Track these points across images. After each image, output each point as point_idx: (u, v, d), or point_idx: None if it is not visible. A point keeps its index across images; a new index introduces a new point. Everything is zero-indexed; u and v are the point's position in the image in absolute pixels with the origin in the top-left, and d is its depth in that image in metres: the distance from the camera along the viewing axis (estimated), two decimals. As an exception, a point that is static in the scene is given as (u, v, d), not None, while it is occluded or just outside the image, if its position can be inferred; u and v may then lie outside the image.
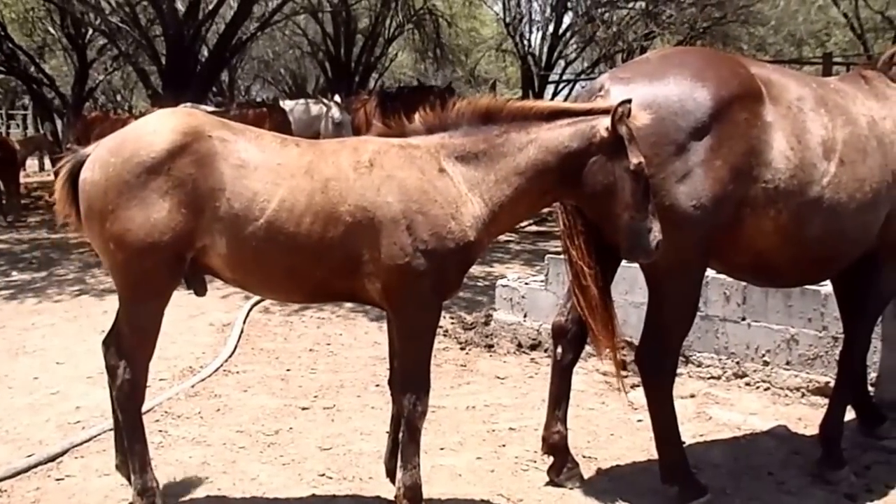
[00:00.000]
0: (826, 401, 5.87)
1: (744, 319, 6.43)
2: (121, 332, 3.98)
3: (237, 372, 6.88)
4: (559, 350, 4.81)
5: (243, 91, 37.31)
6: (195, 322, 8.39)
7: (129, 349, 3.92)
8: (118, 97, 39.57)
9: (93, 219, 3.80)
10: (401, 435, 4.06)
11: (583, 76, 24.46)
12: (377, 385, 6.55)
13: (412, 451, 4.03)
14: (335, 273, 3.89)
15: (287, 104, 12.38)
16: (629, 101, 3.82)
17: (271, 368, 7.00)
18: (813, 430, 5.49)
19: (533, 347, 7.59)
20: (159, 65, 19.49)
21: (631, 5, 20.65)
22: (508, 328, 7.89)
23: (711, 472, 4.94)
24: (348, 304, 8.79)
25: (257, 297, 9.09)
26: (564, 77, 24.57)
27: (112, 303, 3.99)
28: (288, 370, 6.96)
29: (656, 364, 4.51)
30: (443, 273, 3.89)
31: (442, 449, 5.31)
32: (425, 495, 4.17)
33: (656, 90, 4.18)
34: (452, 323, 8.42)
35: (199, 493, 4.61)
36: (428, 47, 22.82)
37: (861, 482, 4.82)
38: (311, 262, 3.83)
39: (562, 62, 25.43)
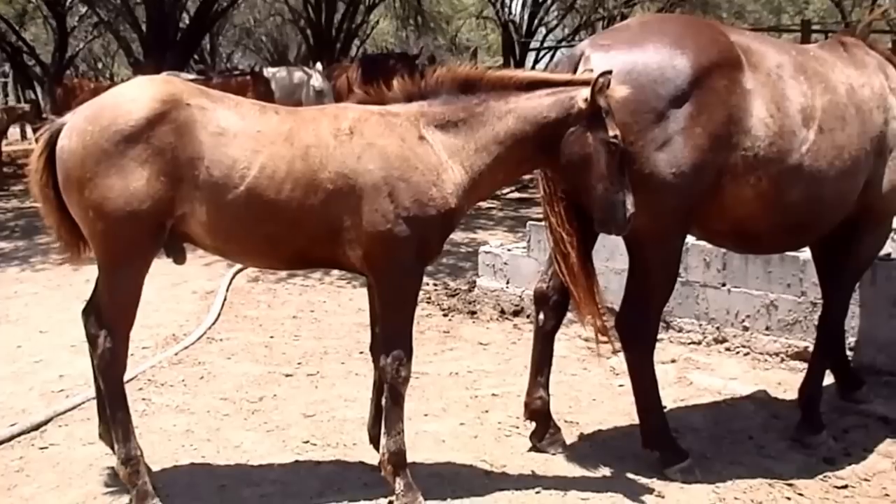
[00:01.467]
0: (805, 365, 5.94)
1: (724, 285, 6.48)
2: (101, 302, 3.97)
3: (220, 339, 6.89)
4: (541, 316, 4.83)
5: (225, 59, 37.00)
6: (178, 290, 8.39)
7: (110, 318, 3.91)
8: (99, 65, 39.20)
9: (71, 187, 3.77)
10: (384, 401, 4.08)
11: (564, 43, 24.39)
12: (361, 352, 6.56)
13: (396, 417, 4.06)
14: (316, 240, 3.90)
15: (268, 72, 12.30)
16: (609, 72, 3.82)
17: (255, 336, 7.01)
18: (792, 394, 5.55)
19: (516, 314, 7.63)
20: (140, 32, 19.29)
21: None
22: (491, 295, 7.93)
23: (692, 436, 4.99)
24: (333, 272, 8.81)
25: (240, 266, 9.11)
26: (546, 44, 24.45)
27: (94, 271, 3.98)
28: (271, 337, 6.98)
29: (637, 330, 4.54)
30: (424, 239, 3.90)
31: (426, 415, 5.34)
32: (409, 461, 4.20)
33: (636, 57, 4.18)
34: (436, 289, 8.46)
35: (183, 460, 4.64)
36: (409, 14, 22.66)
37: (839, 446, 4.88)
38: (291, 230, 3.83)
39: (542, 29, 25.30)
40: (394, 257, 3.88)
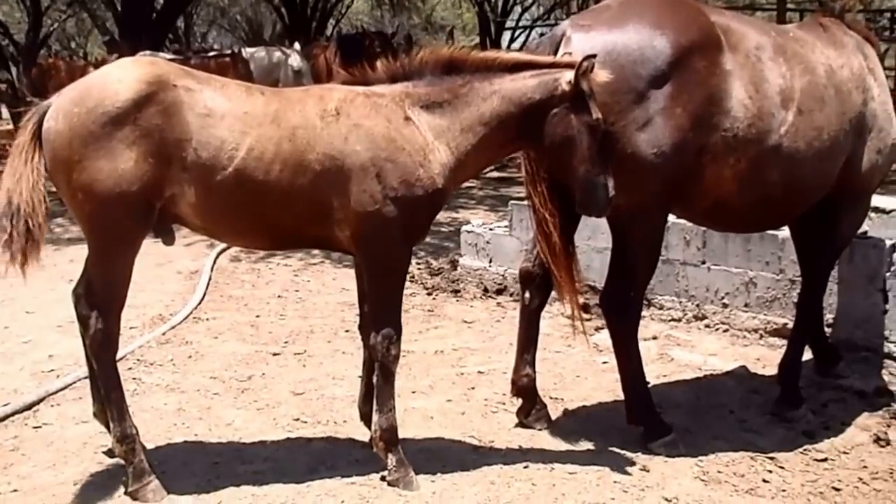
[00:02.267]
0: (783, 341, 6.08)
1: (704, 263, 6.59)
2: (91, 282, 3.99)
3: (207, 319, 6.94)
4: (527, 295, 4.91)
5: (199, 38, 36.69)
6: (163, 270, 8.42)
7: (101, 299, 3.93)
8: (73, 44, 38.75)
9: (58, 169, 3.78)
10: (375, 379, 4.15)
11: (539, 22, 24.42)
12: (347, 331, 6.65)
13: (387, 395, 4.14)
14: (304, 220, 3.96)
15: (246, 52, 12.26)
16: (593, 56, 3.89)
17: (240, 315, 7.06)
18: (771, 370, 5.69)
19: (499, 292, 7.71)
20: (114, 11, 19.12)
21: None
22: (474, 273, 8.02)
23: (675, 411, 5.10)
24: (316, 252, 8.86)
25: (223, 245, 9.15)
26: (521, 23, 24.45)
27: (78, 251, 4.00)
28: (257, 317, 7.04)
29: (621, 307, 4.63)
30: (412, 219, 3.98)
31: (413, 392, 5.43)
32: (400, 437, 4.30)
33: (616, 38, 4.24)
34: (419, 269, 8.52)
35: (176, 438, 4.69)
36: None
37: (818, 420, 5.01)
38: (279, 210, 3.89)
39: (518, 8, 25.31)
40: (382, 237, 3.94)
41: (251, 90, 4.00)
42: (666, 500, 4.14)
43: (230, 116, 3.80)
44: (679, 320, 6.72)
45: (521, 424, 4.94)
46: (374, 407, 4.16)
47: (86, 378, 5.12)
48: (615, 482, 4.27)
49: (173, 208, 3.88)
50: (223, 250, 9.05)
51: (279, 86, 12.55)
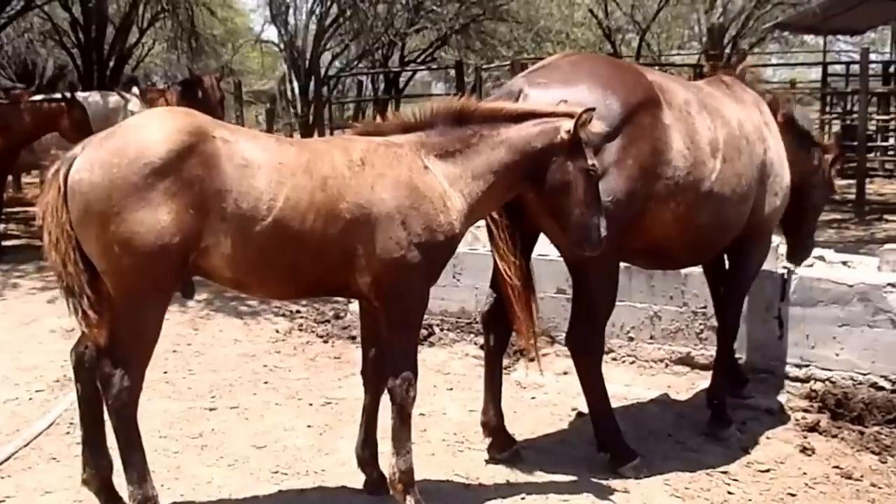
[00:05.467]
0: (688, 369, 6.72)
1: (609, 300, 7.05)
2: (119, 338, 3.84)
3: (114, 378, 6.63)
4: (490, 338, 5.18)
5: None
6: (33, 330, 7.93)
7: (129, 355, 3.82)
8: None
9: (91, 222, 3.66)
10: (392, 421, 4.24)
11: (347, 70, 24.86)
12: (265, 382, 6.61)
13: (405, 437, 4.24)
14: (331, 269, 4.03)
15: (80, 96, 11.73)
16: (593, 109, 4.23)
17: (148, 372, 6.77)
18: (685, 395, 6.24)
19: (396, 337, 7.83)
20: None
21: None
22: (366, 319, 8.11)
23: (621, 438, 5.47)
24: (190, 302, 8.61)
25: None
26: (332, 71, 24.74)
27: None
28: (165, 372, 6.80)
29: (586, 344, 4.98)
30: (432, 264, 4.15)
31: (375, 438, 5.49)
32: (370, 481, 4.61)
33: (573, 96, 4.55)
34: (303, 317, 8.51)
35: (163, 500, 4.53)
36: (181, 37, 22.16)
37: (745, 436, 5.55)
38: (312, 259, 3.95)
39: (328, 54, 25.61)
40: (404, 283, 4.08)
41: (280, 141, 4.09)
42: (658, 518, 4.49)
43: (267, 167, 3.84)
44: (585, 355, 7.13)
45: (493, 460, 5.15)
46: (391, 449, 4.25)
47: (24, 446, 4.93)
48: (609, 504, 4.59)
49: (203, 260, 3.84)
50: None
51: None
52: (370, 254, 4.00)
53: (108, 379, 3.86)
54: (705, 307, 6.62)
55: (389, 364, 4.25)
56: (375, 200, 3.98)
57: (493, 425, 5.15)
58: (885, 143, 19.05)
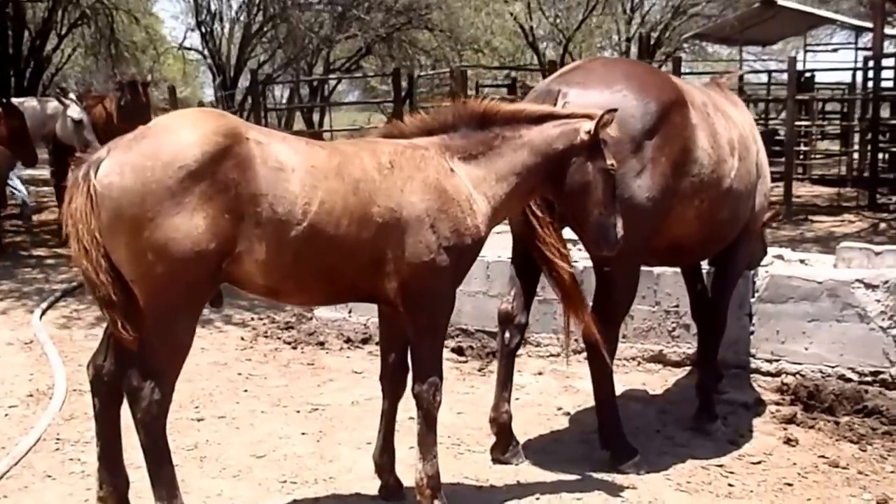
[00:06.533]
0: (661, 366, 6.89)
1: (581, 301, 7.17)
2: (150, 350, 3.70)
3: (87, 391, 6.46)
4: (507, 335, 5.21)
5: None
6: (-14, 344, 7.69)
7: (161, 366, 3.71)
8: None
9: (122, 228, 3.54)
10: (418, 427, 4.23)
11: (275, 77, 24.57)
12: (245, 391, 6.54)
13: (431, 441, 4.24)
14: (361, 273, 4.01)
15: (15, 101, 11.37)
16: (615, 110, 4.32)
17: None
18: (661, 391, 6.41)
19: (364, 342, 7.81)
20: None
21: (321, 6, 21.07)
22: (333, 325, 8.11)
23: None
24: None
25: (41, 310, 8.57)
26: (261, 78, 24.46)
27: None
28: (139, 384, 6.66)
29: (605, 340, 4.99)
30: (459, 267, 4.18)
31: (369, 443, 5.44)
32: (386, 488, 4.59)
33: (610, 96, 4.73)
34: (265, 324, 8.44)
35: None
36: (101, 44, 21.63)
37: (730, 430, 5.73)
38: (345, 263, 3.92)
39: (254, 62, 25.26)
40: (432, 287, 4.09)
41: (311, 143, 4.01)
42: (669, 511, 4.62)
43: (300, 170, 3.79)
44: (557, 355, 7.24)
45: (497, 461, 5.20)
46: (417, 455, 4.26)
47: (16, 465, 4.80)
48: (621, 501, 4.69)
49: (235, 267, 3.76)
50: (42, 315, 8.46)
51: (56, 137, 11.78)
52: (399, 258, 4.00)
53: (138, 392, 3.74)
54: (677, 306, 6.81)
55: (415, 369, 4.25)
56: (405, 203, 3.98)
57: (503, 423, 5.18)
58: (797, 149, 19.72)
